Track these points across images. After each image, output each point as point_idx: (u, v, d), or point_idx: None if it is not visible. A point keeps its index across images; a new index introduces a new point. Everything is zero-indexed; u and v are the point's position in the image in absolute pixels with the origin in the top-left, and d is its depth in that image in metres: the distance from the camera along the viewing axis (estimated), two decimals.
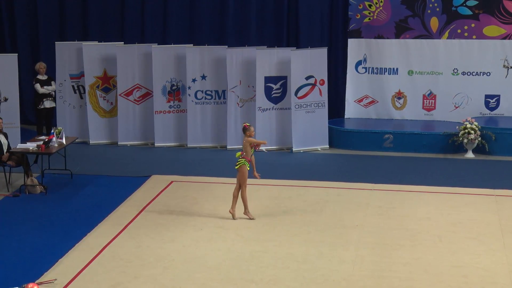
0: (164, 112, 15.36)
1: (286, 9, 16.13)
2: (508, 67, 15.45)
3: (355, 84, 16.14)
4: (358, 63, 16.09)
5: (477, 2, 15.32)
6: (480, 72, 15.57)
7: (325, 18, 16.13)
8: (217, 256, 9.40)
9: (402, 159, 14.34)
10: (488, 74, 15.54)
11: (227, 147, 15.11)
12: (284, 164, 14.02)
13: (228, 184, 12.51)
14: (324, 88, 15.03)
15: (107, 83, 15.62)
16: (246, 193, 10.77)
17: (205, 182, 12.66)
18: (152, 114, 15.33)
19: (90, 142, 15.57)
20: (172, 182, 12.65)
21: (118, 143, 15.46)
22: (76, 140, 13.98)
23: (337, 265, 9.09)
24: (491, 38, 15.40)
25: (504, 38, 15.34)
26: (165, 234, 10.15)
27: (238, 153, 10.80)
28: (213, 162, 14.19)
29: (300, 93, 14.84)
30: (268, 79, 14.92)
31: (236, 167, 10.73)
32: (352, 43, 16.01)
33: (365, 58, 16.02)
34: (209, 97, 15.26)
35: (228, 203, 11.41)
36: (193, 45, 15.33)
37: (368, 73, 16.08)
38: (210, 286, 8.54)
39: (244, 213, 10.79)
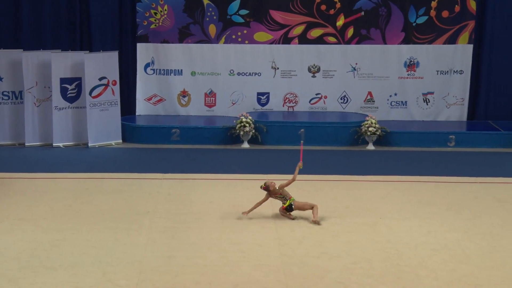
0: None
1: (79, 14, 15.68)
2: (275, 68, 16.09)
3: (144, 84, 16.05)
4: (147, 65, 16.01)
5: (248, 11, 15.78)
6: (252, 73, 16.07)
7: (115, 24, 15.86)
8: (17, 247, 8.99)
9: (188, 151, 14.49)
10: (259, 74, 16.08)
11: (25, 144, 14.48)
12: (80, 159, 13.67)
13: (27, 179, 12.01)
14: (116, 88, 14.83)
15: None
16: (316, 208, 10.09)
17: (3, 178, 12.02)
18: None
19: None
20: None
21: None
22: None
23: (131, 248, 9.04)
24: (261, 43, 15.94)
25: (272, 43, 15.94)
26: None
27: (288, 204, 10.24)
28: (12, 158, 13.54)
29: (94, 93, 14.54)
30: (63, 80, 14.45)
31: (292, 207, 10.22)
32: (140, 47, 15.90)
33: (152, 60, 15.98)
34: (6, 97, 14.53)
35: (28, 198, 11.00)
36: None
37: (156, 74, 16.05)
38: (8, 275, 8.14)
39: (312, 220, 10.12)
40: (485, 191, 11.76)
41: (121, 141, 14.98)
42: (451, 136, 15.01)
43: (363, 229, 9.88)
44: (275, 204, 10.68)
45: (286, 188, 10.30)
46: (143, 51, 15.91)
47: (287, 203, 10.24)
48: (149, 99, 16.13)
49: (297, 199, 10.31)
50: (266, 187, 10.30)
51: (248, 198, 11.16)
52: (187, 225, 9.96)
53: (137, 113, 16.07)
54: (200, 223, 10.03)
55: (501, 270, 8.58)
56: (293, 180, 10.29)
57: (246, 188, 11.76)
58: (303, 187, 11.54)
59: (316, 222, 10.01)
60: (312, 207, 10.16)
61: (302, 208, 10.22)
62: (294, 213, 10.29)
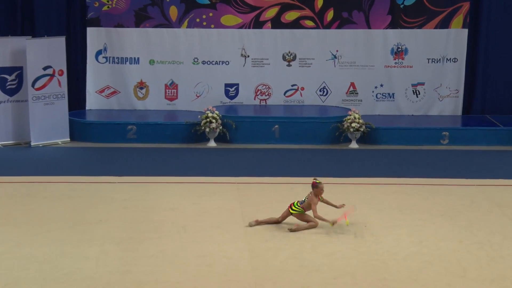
0: None
1: None
2: (245, 56, 16.05)
3: (96, 74, 15.93)
4: (99, 53, 15.88)
5: None
6: (219, 61, 16.02)
7: (62, 5, 15.70)
8: None
9: (146, 150, 14.39)
10: (227, 63, 16.04)
11: None
12: (22, 160, 13.52)
13: None
14: (64, 79, 14.69)
15: None
16: (311, 226, 10.08)
17: None
18: None
19: None
20: None
21: None
22: None
23: (81, 263, 8.92)
24: (228, 28, 15.88)
25: (241, 27, 15.89)
26: None
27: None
28: None
29: (38, 84, 14.40)
30: (2, 70, 14.32)
31: (293, 212, 10.15)
32: (91, 32, 15.76)
33: (105, 47, 15.85)
34: None
35: None
36: None
37: (109, 62, 15.93)
38: None
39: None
40: (482, 194, 11.82)
41: (69, 139, 14.85)
42: (444, 133, 15.10)
43: (346, 239, 9.86)
44: (246, 211, 10.65)
45: (310, 214, 10.18)
46: (94, 37, 15.77)
47: (296, 212, 10.15)
48: (101, 91, 16.01)
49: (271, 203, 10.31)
50: (315, 184, 10.16)
51: (215, 204, 11.11)
52: (145, 235, 9.86)
53: (87, 108, 15.95)
54: (160, 233, 9.94)
55: (502, 284, 8.61)
56: (316, 220, 10.11)
57: (212, 193, 11.69)
58: (279, 191, 11.53)
59: (293, 230, 9.99)
60: (309, 221, 10.13)
61: (301, 219, 10.18)
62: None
